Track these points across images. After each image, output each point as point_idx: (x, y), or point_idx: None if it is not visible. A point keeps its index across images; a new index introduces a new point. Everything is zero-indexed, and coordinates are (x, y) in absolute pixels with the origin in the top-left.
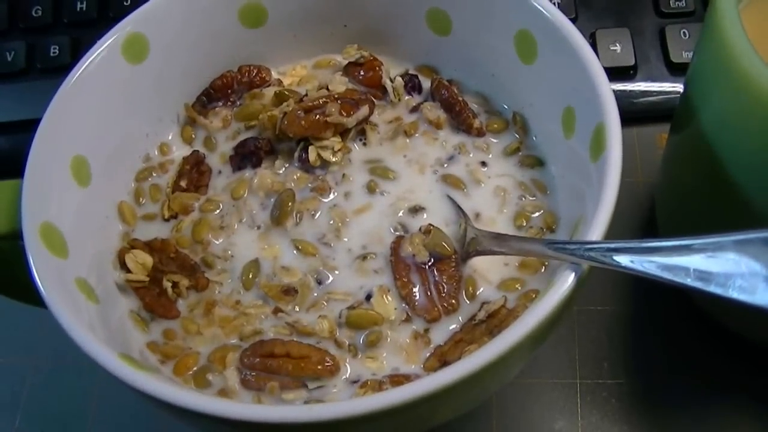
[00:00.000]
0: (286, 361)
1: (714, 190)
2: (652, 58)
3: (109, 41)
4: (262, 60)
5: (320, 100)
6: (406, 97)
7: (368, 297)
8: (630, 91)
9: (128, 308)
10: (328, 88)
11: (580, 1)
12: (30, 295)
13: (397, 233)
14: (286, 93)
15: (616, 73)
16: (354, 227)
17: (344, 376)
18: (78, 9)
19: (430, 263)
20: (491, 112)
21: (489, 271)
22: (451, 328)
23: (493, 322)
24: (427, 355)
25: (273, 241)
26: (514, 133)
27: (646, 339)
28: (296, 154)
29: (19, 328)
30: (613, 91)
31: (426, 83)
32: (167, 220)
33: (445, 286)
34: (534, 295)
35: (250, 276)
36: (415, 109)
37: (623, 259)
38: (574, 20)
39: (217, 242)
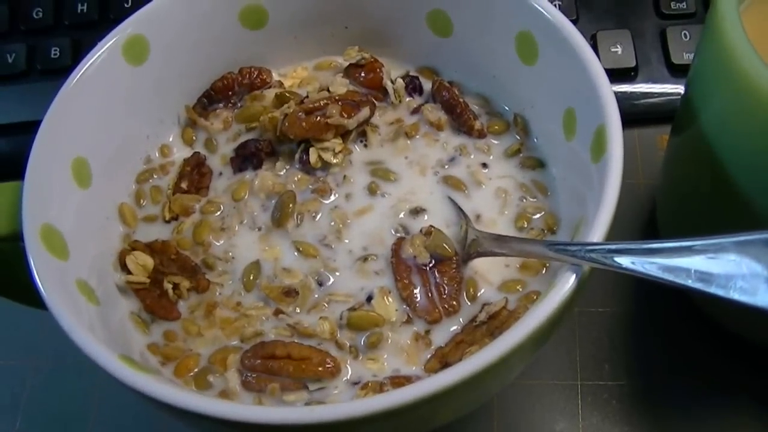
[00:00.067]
0: (287, 363)
1: (715, 191)
2: (653, 59)
3: (110, 43)
4: (263, 62)
5: (321, 102)
6: (407, 99)
7: (369, 298)
8: (631, 92)
9: (129, 310)
10: (329, 90)
11: (581, 3)
12: (30, 296)
13: (398, 235)
14: (287, 95)
15: (617, 75)
16: (355, 229)
17: (345, 378)
18: (79, 11)
19: (431, 265)
20: (492, 114)
21: (490, 273)
22: (452, 329)
23: (494, 323)
24: (428, 356)
25: (274, 243)
26: (515, 134)
27: (647, 340)
28: (297, 156)
29: (20, 329)
30: (614, 92)
31: (427, 85)
32: (168, 222)
33: (446, 288)
34: (535, 297)
35: (251, 277)
36: (416, 111)
37: (624, 261)
38: (575, 22)
39: (218, 244)
